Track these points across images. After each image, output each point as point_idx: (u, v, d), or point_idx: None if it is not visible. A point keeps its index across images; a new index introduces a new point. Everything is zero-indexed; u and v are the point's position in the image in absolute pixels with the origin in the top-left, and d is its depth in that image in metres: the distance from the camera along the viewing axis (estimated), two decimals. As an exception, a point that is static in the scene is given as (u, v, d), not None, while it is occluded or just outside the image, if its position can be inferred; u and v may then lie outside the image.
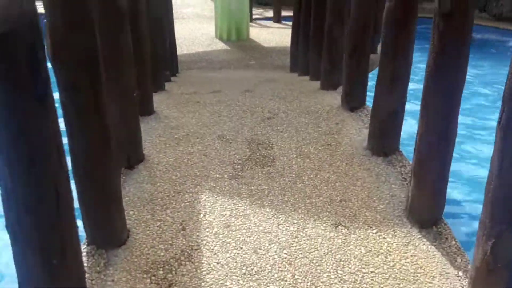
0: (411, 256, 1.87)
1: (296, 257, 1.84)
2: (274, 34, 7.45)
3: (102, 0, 2.14)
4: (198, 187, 2.33)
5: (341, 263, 1.81)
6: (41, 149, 1.22)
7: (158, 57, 3.57)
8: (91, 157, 1.80)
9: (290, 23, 8.61)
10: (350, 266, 1.80)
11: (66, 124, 1.74)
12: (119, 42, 2.30)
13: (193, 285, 1.71)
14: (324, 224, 2.04)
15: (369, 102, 3.26)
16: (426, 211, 2.03)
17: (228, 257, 1.84)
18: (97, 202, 1.87)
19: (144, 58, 2.95)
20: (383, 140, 2.60)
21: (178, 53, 5.71)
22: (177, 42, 6.02)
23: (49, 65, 1.27)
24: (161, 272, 1.76)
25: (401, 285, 1.71)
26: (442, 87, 1.85)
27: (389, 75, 2.40)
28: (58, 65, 1.63)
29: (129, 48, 2.37)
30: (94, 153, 1.80)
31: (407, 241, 1.95)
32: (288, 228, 2.02)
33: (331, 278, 1.74)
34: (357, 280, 1.73)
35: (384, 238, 1.97)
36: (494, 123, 1.46)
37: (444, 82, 1.84)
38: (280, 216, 2.10)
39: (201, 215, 2.10)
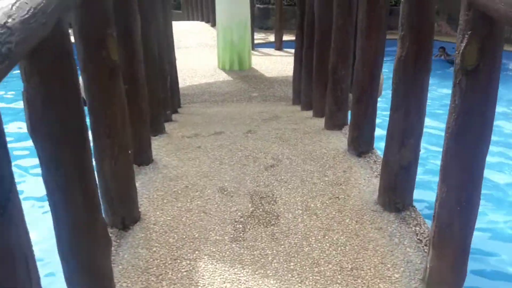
0: None
1: None
2: (276, 63, 7.29)
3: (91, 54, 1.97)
4: (197, 252, 2.12)
5: None
6: (4, 265, 1.02)
7: (158, 100, 3.38)
8: (77, 235, 1.61)
9: (292, 50, 8.51)
10: None
11: (48, 200, 1.55)
12: (112, 96, 2.11)
13: None
14: (334, 300, 1.82)
15: (377, 144, 3.08)
16: (446, 285, 1.82)
17: None
18: (84, 283, 1.67)
19: (142, 108, 2.77)
20: (395, 195, 2.38)
21: (180, 85, 5.54)
22: (179, 74, 5.84)
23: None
24: None
25: None
26: (465, 151, 1.64)
27: (401, 131, 2.20)
28: (37, 140, 1.44)
29: (123, 104, 2.17)
30: (80, 231, 1.60)
31: (427, 320, 1.73)
32: (295, 305, 1.80)
33: None
34: None
35: (401, 317, 1.75)
36: None
37: (468, 146, 1.64)
38: (286, 289, 1.88)
39: (200, 290, 1.89)
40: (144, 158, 2.88)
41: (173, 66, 4.62)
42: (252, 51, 7.90)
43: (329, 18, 3.73)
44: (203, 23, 10.95)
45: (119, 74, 2.12)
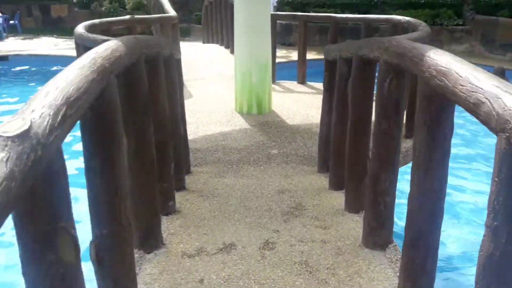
0: None
1: None
2: (298, 103, 6.44)
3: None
4: None
5: None
6: None
7: (156, 211, 2.60)
8: None
9: (316, 84, 7.67)
10: None
11: None
12: None
13: None
14: None
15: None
16: None
17: None
18: None
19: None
20: None
21: (193, 135, 4.87)
22: (193, 118, 5.14)
23: None
24: None
25: None
26: None
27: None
28: None
29: None
30: None
31: None
32: None
33: None
34: None
35: None
36: None
37: None
38: None
39: None
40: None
41: (183, 121, 3.86)
42: (273, 85, 7.09)
43: (367, 108, 2.91)
44: (222, 47, 10.16)
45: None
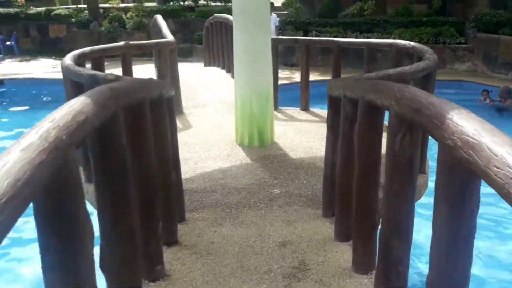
0: None
1: None
2: (301, 133, 6.18)
3: None
4: None
5: None
6: None
7: (138, 273, 2.32)
8: None
9: (319, 111, 7.42)
10: None
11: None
12: None
13: None
14: None
15: None
16: None
17: None
18: None
19: None
20: None
21: (191, 173, 4.74)
22: (192, 150, 4.88)
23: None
24: None
25: None
26: None
27: None
28: None
29: None
30: None
31: None
32: None
33: None
34: None
35: None
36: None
37: None
38: None
39: None
40: None
41: (175, 185, 3.56)
42: (275, 112, 6.84)
43: (375, 158, 2.65)
44: (223, 71, 9.94)
45: None
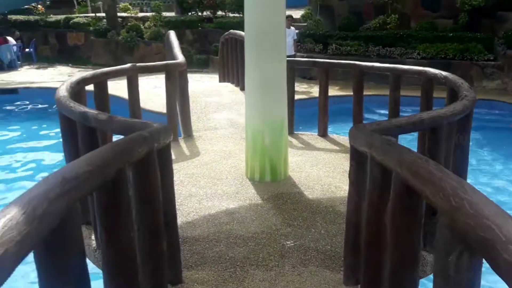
0: None
1: None
2: (319, 165, 5.55)
3: None
4: None
5: None
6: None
7: None
8: None
9: (339, 138, 6.79)
10: None
11: None
12: None
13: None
14: None
15: None
16: None
17: None
18: None
19: None
20: None
21: (194, 214, 4.27)
22: (197, 184, 4.45)
23: None
24: None
25: None
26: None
27: None
28: None
29: None
30: None
31: None
32: None
33: None
34: None
35: None
36: None
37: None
38: None
39: None
40: None
41: (172, 242, 2.99)
42: (290, 138, 6.25)
43: (413, 251, 2.04)
44: (237, 89, 9.36)
45: None
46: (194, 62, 16.28)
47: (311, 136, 6.79)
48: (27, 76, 15.64)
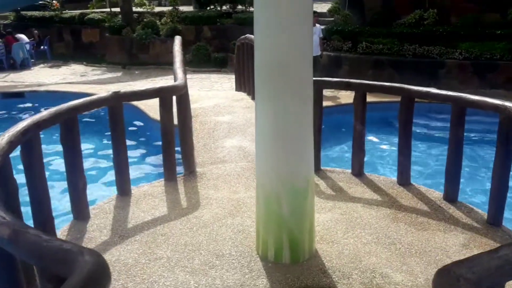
0: None
1: None
2: (356, 232, 3.95)
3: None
4: None
5: None
6: None
7: None
8: None
9: (379, 179, 5.21)
10: None
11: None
12: None
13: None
14: None
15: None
16: None
17: None
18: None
19: None
20: None
21: None
22: (187, 265, 2.71)
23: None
24: None
25: None
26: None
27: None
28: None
29: None
30: None
31: None
32: None
33: None
34: None
35: None
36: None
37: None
38: None
39: None
40: None
41: None
42: (316, 178, 4.73)
43: None
44: (253, 103, 7.80)
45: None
46: (212, 61, 14.75)
47: (343, 175, 5.21)
48: (39, 76, 14.39)
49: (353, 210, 4.38)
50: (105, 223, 4.13)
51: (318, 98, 4.76)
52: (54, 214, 3.73)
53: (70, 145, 4.04)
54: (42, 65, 16.14)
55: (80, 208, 4.17)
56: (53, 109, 3.79)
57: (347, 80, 5.00)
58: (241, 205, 4.44)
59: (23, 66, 15.35)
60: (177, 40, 6.87)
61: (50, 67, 15.91)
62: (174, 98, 5.04)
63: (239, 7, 16.31)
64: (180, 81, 5.03)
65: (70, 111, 3.96)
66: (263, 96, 3.33)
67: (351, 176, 5.17)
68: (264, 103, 3.35)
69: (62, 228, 4.06)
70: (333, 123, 7.33)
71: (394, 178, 5.06)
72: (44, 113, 3.68)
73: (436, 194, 4.72)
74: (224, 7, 16.29)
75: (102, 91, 11.18)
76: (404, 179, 4.94)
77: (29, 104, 11.76)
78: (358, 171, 5.16)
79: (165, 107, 4.88)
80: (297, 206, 3.48)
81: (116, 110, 4.48)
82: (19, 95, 12.14)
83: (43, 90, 12.16)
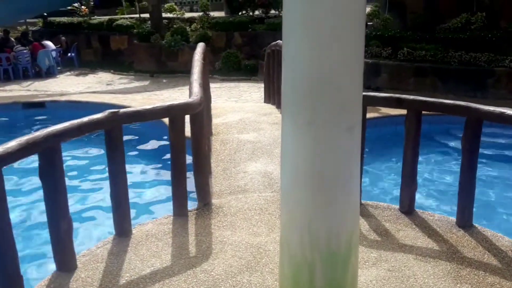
0: None
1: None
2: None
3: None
4: None
5: None
6: None
7: None
8: None
9: (433, 218, 4.17)
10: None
11: None
12: None
13: None
14: None
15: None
16: None
17: None
18: None
19: None
20: None
21: None
22: None
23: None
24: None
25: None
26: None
27: None
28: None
29: None
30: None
31: None
32: None
33: None
34: None
35: None
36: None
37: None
38: None
39: None
40: None
41: None
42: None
43: None
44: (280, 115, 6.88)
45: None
46: (242, 69, 13.92)
47: (388, 212, 4.22)
48: (63, 84, 13.86)
49: (403, 265, 3.40)
50: (93, 277, 3.28)
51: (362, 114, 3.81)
52: (36, 262, 2.95)
53: (50, 180, 3.21)
54: (68, 73, 15.65)
55: (63, 257, 3.34)
56: (24, 138, 2.97)
57: (397, 96, 4.01)
58: (262, 254, 3.53)
59: (49, 74, 14.88)
60: (199, 47, 6.04)
61: (77, 75, 15.40)
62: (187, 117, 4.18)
63: (272, 11, 15.45)
64: (194, 97, 4.16)
65: (49, 139, 3.13)
66: (295, 122, 2.41)
67: (399, 214, 4.18)
68: (296, 132, 2.42)
69: (39, 284, 3.23)
70: (373, 135, 6.25)
71: (452, 218, 4.06)
72: (12, 143, 2.86)
73: (506, 242, 3.70)
74: (256, 12, 15.45)
75: (127, 101, 10.45)
76: (465, 220, 3.93)
77: (50, 114, 11.18)
78: (408, 208, 4.17)
79: (175, 129, 4.02)
80: (335, 278, 2.53)
81: (114, 134, 3.64)
82: (40, 105, 11.56)
83: (64, 100, 11.57)
